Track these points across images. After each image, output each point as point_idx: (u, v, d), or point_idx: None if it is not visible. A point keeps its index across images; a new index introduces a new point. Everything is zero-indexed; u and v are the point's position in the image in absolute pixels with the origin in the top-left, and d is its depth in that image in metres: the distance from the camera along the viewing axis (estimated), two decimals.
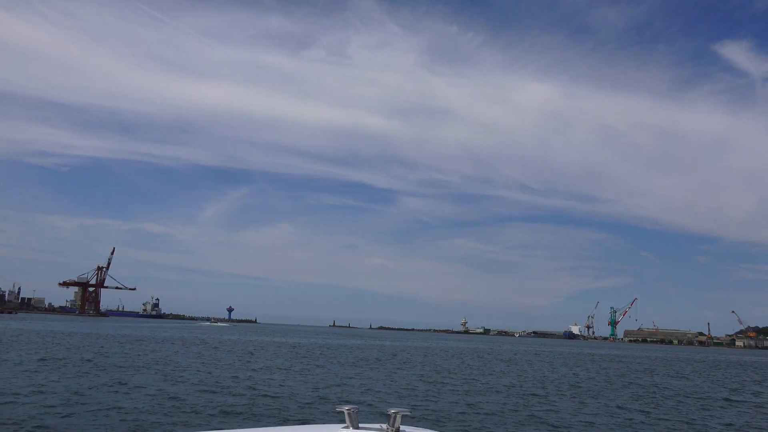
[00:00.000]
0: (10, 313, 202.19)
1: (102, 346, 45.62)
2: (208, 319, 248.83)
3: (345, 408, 3.49)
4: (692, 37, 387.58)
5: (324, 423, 3.90)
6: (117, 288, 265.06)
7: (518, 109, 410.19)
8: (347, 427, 3.46)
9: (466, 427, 17.94)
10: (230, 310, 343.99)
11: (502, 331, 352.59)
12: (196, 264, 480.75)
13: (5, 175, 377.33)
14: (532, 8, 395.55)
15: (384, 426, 3.45)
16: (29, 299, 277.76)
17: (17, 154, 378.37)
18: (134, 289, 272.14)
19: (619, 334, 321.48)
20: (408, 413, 3.39)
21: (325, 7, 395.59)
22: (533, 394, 27.04)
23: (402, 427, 3.42)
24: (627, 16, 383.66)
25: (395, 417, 3.38)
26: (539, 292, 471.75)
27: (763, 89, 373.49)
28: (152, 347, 47.76)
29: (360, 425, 3.48)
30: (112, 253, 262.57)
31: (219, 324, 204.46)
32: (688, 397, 30.58)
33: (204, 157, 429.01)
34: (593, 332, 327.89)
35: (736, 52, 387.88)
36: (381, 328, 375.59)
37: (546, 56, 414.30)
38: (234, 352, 46.98)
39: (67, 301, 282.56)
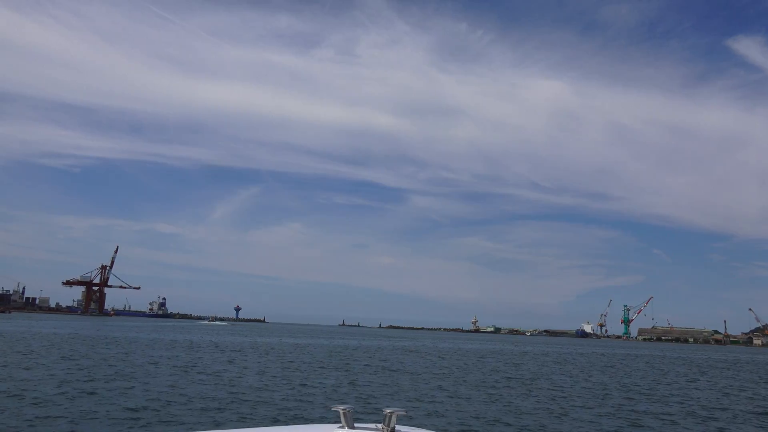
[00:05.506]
0: (3, 312, 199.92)
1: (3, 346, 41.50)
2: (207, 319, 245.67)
3: (340, 408, 3.38)
4: (705, 32, 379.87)
5: (318, 423, 3.72)
6: (121, 287, 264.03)
7: (528, 106, 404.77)
8: (342, 427, 3.35)
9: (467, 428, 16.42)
10: (238, 309, 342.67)
11: (513, 330, 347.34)
12: (205, 263, 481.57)
13: (17, 177, 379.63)
14: (542, 5, 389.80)
15: (379, 426, 3.34)
16: (34, 299, 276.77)
17: (29, 155, 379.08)
18: (138, 288, 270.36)
19: (633, 332, 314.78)
20: (403, 413, 3.29)
21: (334, 6, 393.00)
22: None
23: (397, 427, 3.32)
24: (638, 12, 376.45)
25: (390, 417, 3.28)
26: (550, 291, 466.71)
27: None
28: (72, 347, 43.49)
29: (355, 425, 3.37)
30: (116, 251, 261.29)
31: (217, 323, 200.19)
32: None
33: (214, 157, 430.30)
34: (606, 331, 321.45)
35: (749, 47, 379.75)
36: (391, 327, 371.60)
37: (556, 53, 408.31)
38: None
39: (74, 300, 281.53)
